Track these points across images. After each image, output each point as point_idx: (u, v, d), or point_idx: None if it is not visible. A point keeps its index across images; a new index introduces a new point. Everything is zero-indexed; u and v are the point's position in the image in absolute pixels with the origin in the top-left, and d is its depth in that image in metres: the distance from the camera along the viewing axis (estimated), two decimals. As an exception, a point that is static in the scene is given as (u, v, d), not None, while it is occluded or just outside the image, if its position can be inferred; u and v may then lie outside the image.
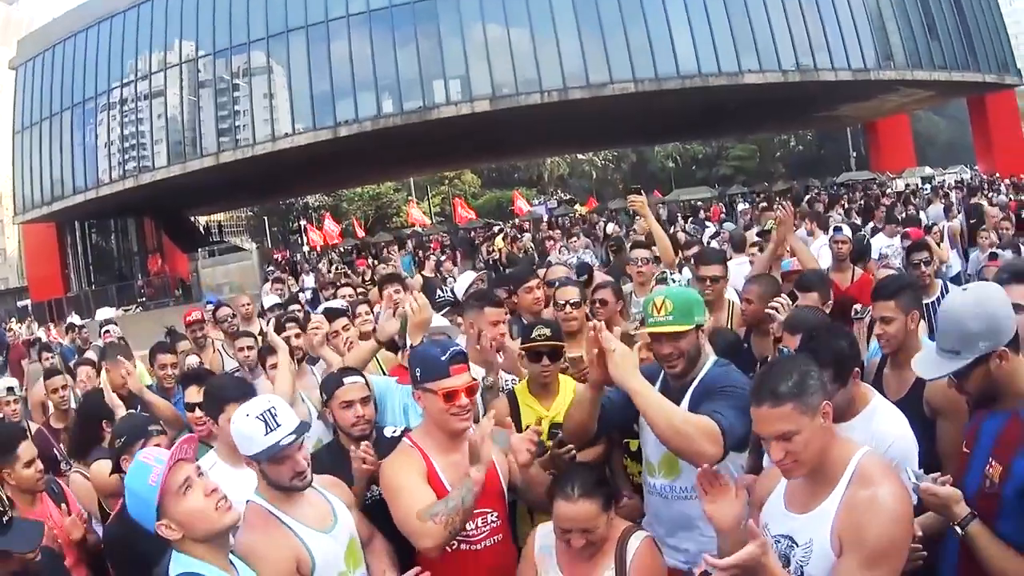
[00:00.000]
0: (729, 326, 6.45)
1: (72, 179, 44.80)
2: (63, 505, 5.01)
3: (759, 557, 2.89)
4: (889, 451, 3.39)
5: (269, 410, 3.52)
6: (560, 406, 4.82)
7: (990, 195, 24.55)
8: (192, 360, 8.02)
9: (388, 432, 4.63)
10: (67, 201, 44.63)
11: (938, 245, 10.89)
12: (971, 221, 13.38)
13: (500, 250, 29.75)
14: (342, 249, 50.90)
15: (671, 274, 7.18)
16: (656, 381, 4.13)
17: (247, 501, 3.59)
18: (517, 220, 51.49)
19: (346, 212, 71.67)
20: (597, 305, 6.48)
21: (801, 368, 3.05)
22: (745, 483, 3.43)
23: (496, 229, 46.93)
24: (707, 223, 29.65)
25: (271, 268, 41.93)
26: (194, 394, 5.34)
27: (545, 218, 50.21)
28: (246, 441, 3.50)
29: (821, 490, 3.07)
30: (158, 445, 4.43)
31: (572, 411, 4.22)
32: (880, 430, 3.58)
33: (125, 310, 42.43)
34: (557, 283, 6.97)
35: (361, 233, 58.15)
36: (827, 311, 5.77)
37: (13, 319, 40.82)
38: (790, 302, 5.54)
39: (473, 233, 50.16)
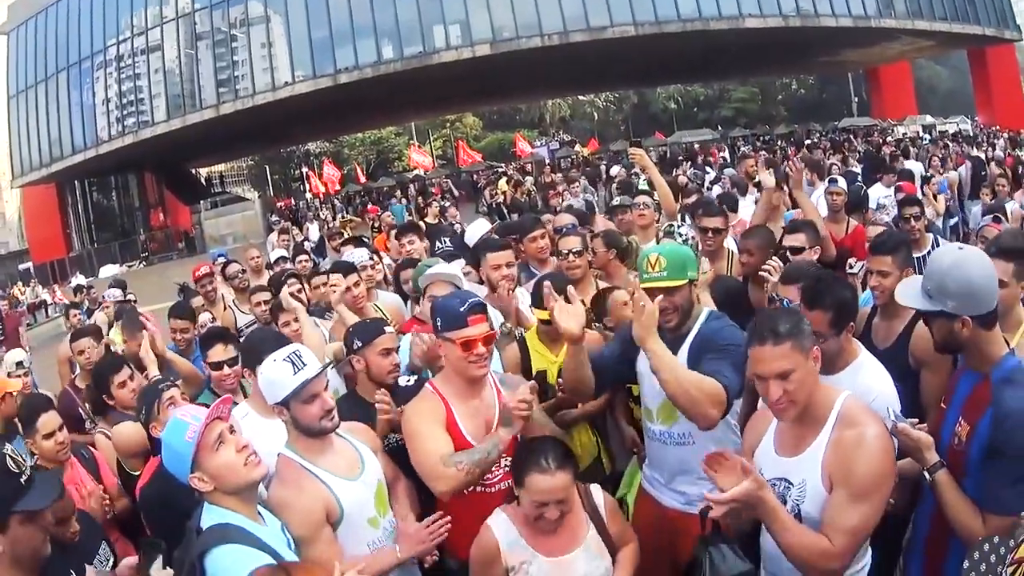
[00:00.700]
0: (728, 274, 6.52)
1: (71, 139, 44.54)
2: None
3: (755, 491, 3.06)
4: (872, 404, 3.45)
5: (295, 352, 3.69)
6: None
7: (986, 149, 24.40)
8: (205, 317, 8.03)
9: (402, 381, 4.71)
10: (66, 161, 44.41)
11: (934, 198, 10.97)
12: (982, 174, 13.41)
13: (504, 193, 29.64)
14: (345, 194, 50.73)
15: (678, 227, 7.29)
16: None
17: (278, 455, 3.72)
18: (520, 162, 51.17)
19: (348, 158, 71.14)
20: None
21: (795, 314, 3.30)
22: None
23: (500, 172, 46.69)
24: (708, 168, 29.55)
25: (275, 218, 41.78)
26: (219, 352, 5.36)
27: (547, 160, 49.96)
28: (275, 387, 3.62)
29: (808, 433, 3.25)
30: (171, 398, 4.68)
31: (566, 370, 4.33)
32: (865, 383, 3.72)
33: (129, 266, 42.37)
34: (562, 230, 7.09)
35: (363, 178, 57.77)
36: (816, 256, 5.94)
37: (18, 283, 40.76)
38: (782, 264, 5.60)
39: (476, 176, 49.95)
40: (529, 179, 35.66)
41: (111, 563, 3.91)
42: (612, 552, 3.77)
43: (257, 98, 40.86)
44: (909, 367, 4.44)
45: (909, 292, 3.48)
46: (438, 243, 8.53)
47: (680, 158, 39.88)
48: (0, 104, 48.44)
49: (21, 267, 47.68)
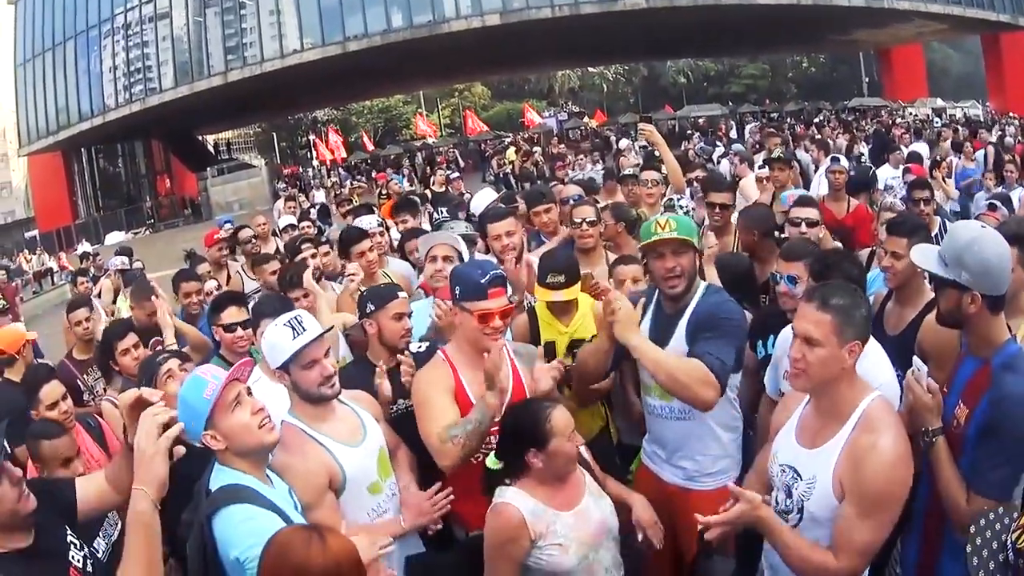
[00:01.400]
0: (735, 251, 6.50)
1: (78, 107, 44.49)
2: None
3: (751, 513, 3.10)
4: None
5: (295, 317, 3.70)
6: (577, 323, 4.95)
7: (998, 134, 24.15)
8: (211, 284, 7.91)
9: (413, 347, 4.70)
10: (73, 129, 44.36)
11: (944, 181, 10.92)
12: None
13: (512, 163, 29.57)
14: (351, 162, 50.64)
15: (678, 200, 7.28)
16: (649, 306, 4.26)
17: (282, 421, 3.69)
18: (528, 133, 51.03)
19: (355, 125, 70.95)
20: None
21: (857, 299, 3.18)
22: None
23: (507, 141, 46.56)
24: (718, 143, 29.48)
25: (281, 185, 41.74)
26: (234, 314, 5.32)
27: (555, 131, 49.81)
28: (275, 351, 3.65)
29: (830, 428, 3.18)
30: (169, 371, 4.65)
31: (587, 359, 4.33)
32: (872, 372, 3.57)
33: (135, 233, 42.43)
34: (572, 200, 7.08)
35: (371, 146, 57.63)
36: (822, 234, 5.91)
37: (24, 251, 40.84)
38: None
39: (483, 145, 49.83)
40: (537, 150, 35.55)
41: (119, 528, 3.93)
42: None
43: (265, 65, 40.80)
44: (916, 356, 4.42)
45: (926, 255, 3.45)
46: (436, 213, 8.52)
47: (689, 132, 39.79)
48: (8, 73, 48.38)
49: (27, 235, 47.63)
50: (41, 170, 49.11)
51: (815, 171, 11.93)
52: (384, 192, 17.86)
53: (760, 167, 10.53)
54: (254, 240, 9.66)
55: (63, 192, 47.91)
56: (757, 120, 45.31)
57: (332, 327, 4.54)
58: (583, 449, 3.83)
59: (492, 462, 3.57)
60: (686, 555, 4.42)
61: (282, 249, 7.06)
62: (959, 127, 25.52)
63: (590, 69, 78.14)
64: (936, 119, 36.62)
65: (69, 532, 3.12)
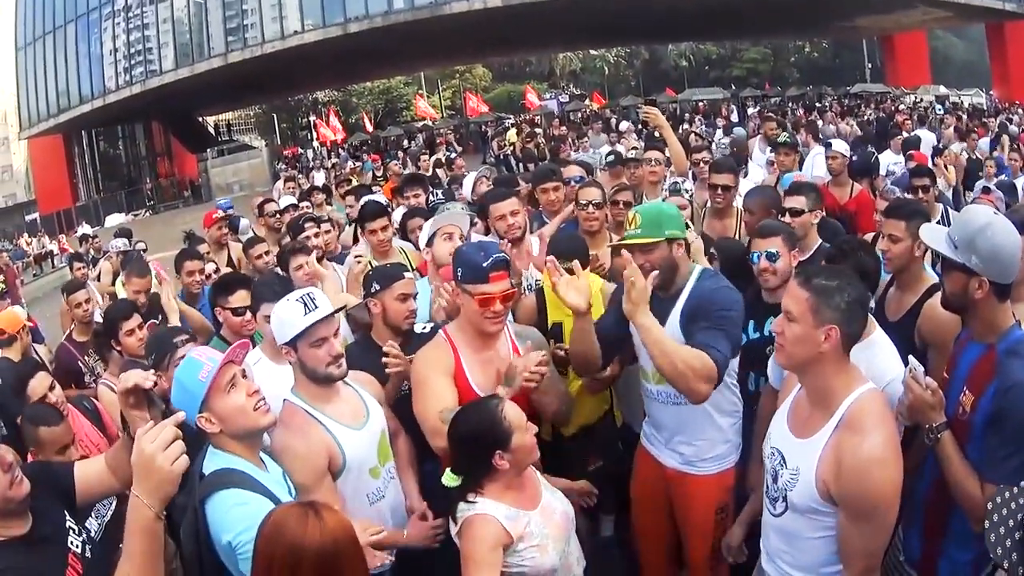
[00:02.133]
0: (737, 234, 6.52)
1: (78, 89, 44.52)
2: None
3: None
4: (886, 389, 3.37)
5: (307, 294, 3.67)
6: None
7: (1001, 123, 24.06)
8: (210, 267, 7.96)
9: (418, 328, 4.69)
10: (73, 111, 44.38)
11: (946, 169, 10.88)
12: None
13: (513, 144, 29.51)
14: (353, 144, 50.55)
15: (682, 184, 7.25)
16: None
17: (283, 400, 3.72)
18: (529, 115, 50.90)
19: (356, 107, 70.81)
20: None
21: (844, 284, 3.08)
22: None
23: (508, 123, 46.47)
24: (717, 128, 29.46)
25: (281, 166, 41.76)
26: (243, 298, 5.25)
27: (556, 113, 49.69)
28: (285, 326, 3.62)
29: (817, 418, 3.12)
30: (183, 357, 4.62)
31: (573, 343, 4.29)
32: (880, 367, 3.54)
33: (135, 215, 42.55)
34: (574, 181, 7.07)
35: (370, 128, 57.52)
36: (816, 220, 5.83)
37: (25, 234, 40.84)
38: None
39: (484, 127, 49.74)
40: (539, 131, 35.50)
41: (113, 508, 3.91)
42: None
43: (266, 47, 40.76)
44: (916, 343, 4.39)
45: (935, 235, 3.42)
46: (431, 196, 8.52)
47: (686, 115, 39.74)
48: (8, 56, 48.47)
49: (28, 218, 47.66)
50: (42, 153, 49.09)
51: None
52: (383, 173, 17.84)
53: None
54: (278, 215, 9.64)
55: (63, 175, 47.90)
56: (759, 104, 45.24)
57: (345, 305, 4.53)
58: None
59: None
60: (682, 538, 4.44)
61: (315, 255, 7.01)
62: (961, 114, 25.47)
63: (591, 52, 77.91)
64: (939, 107, 36.55)
65: (68, 517, 3.10)
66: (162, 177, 51.70)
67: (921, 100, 39.79)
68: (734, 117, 39.29)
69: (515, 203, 5.84)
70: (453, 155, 17.25)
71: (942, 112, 29.70)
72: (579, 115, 48.96)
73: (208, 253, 8.71)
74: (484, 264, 3.86)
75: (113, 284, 9.24)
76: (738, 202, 6.80)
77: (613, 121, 36.28)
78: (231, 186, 42.39)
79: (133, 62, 43.59)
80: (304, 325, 3.58)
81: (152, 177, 52.29)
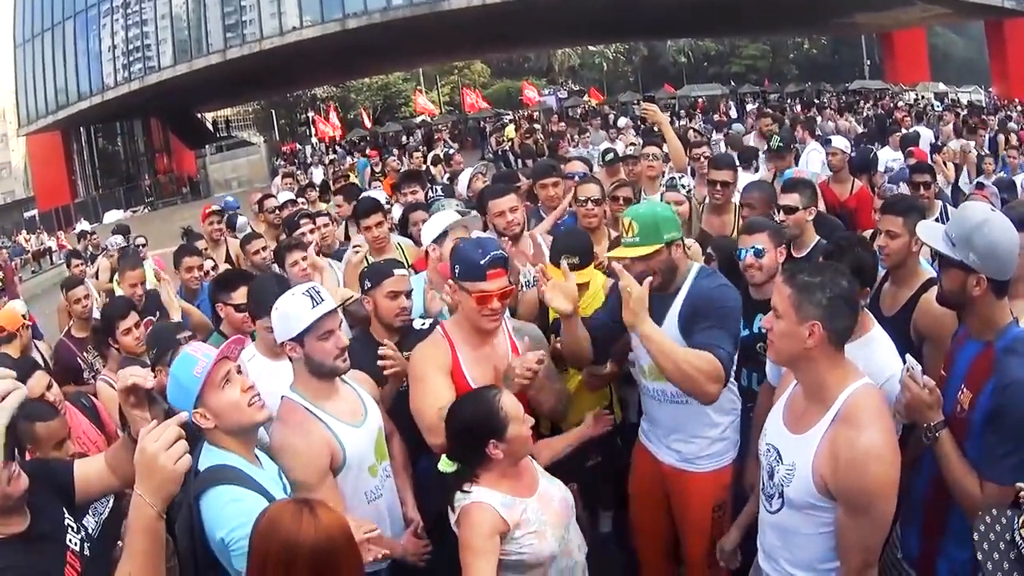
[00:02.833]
0: (735, 230, 6.48)
1: (76, 86, 44.64)
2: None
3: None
4: (886, 386, 3.36)
5: (313, 288, 3.68)
6: (588, 299, 4.87)
7: (1001, 120, 24.01)
8: (208, 264, 7.86)
9: (417, 324, 4.68)
10: (72, 108, 44.48)
11: (945, 165, 10.89)
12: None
13: (511, 140, 29.50)
14: (350, 140, 50.50)
15: (679, 179, 7.25)
16: None
17: (282, 397, 3.72)
18: (527, 111, 50.86)
19: (354, 103, 70.76)
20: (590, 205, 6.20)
21: (827, 280, 3.06)
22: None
23: (507, 119, 46.45)
24: (712, 126, 29.44)
25: (280, 162, 41.76)
26: (245, 294, 5.10)
27: (555, 109, 49.66)
28: (292, 320, 3.60)
29: (812, 413, 3.12)
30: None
31: (563, 344, 4.29)
32: (879, 363, 3.53)
33: (134, 211, 42.56)
34: (577, 177, 7.05)
35: (369, 124, 57.47)
36: (811, 216, 5.81)
37: (23, 231, 40.74)
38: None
39: (483, 123, 49.72)
40: (538, 127, 35.47)
41: (110, 505, 3.91)
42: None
43: (264, 43, 40.76)
44: (911, 338, 4.41)
45: (932, 233, 3.41)
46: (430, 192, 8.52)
47: (681, 111, 39.73)
48: (7, 53, 48.53)
49: (27, 215, 47.58)
50: (40, 150, 49.12)
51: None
52: (381, 169, 17.85)
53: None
54: (277, 211, 9.62)
55: (62, 171, 47.92)
56: (757, 101, 45.22)
57: (350, 298, 4.53)
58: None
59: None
60: (679, 535, 4.44)
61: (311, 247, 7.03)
62: (959, 111, 25.45)
63: (590, 48, 77.88)
64: (937, 103, 36.49)
65: (66, 515, 3.08)
66: (161, 173, 51.67)
67: (922, 98, 39.68)
68: (732, 113, 39.29)
69: (514, 199, 5.83)
70: (452, 151, 17.25)
71: (940, 109, 29.70)
72: (578, 111, 48.96)
73: (206, 249, 8.71)
74: (482, 262, 3.84)
75: (111, 281, 9.22)
76: (736, 198, 6.80)
77: (612, 117, 36.24)
78: (229, 182, 42.44)
79: (132, 58, 43.63)
80: (313, 318, 3.57)
81: (151, 173, 52.24)
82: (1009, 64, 46.36)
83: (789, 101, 43.28)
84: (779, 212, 5.80)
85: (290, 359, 3.78)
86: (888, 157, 11.74)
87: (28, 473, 2.88)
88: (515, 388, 3.71)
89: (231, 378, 3.17)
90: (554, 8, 40.00)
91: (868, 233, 5.88)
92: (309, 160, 41.61)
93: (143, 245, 11.78)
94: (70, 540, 3.01)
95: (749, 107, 39.47)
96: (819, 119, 22.32)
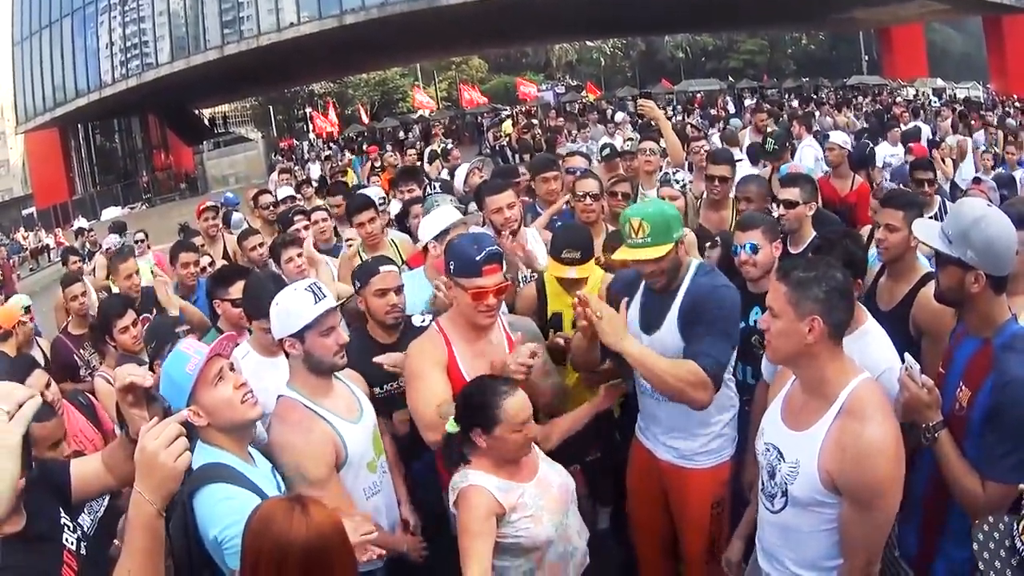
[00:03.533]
0: (731, 224, 6.47)
1: (74, 83, 44.73)
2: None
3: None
4: (880, 379, 3.32)
5: (314, 283, 3.68)
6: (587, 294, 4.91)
7: (1000, 116, 23.97)
8: (205, 260, 7.85)
9: (417, 320, 4.67)
10: (69, 105, 44.56)
11: (943, 161, 10.88)
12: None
13: (509, 135, 29.49)
14: (347, 136, 50.48)
15: (673, 174, 7.24)
16: (636, 290, 4.20)
17: (279, 396, 3.71)
18: (525, 106, 50.81)
19: (352, 98, 70.77)
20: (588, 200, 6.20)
21: (822, 274, 3.05)
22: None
23: (504, 114, 46.42)
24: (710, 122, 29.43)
25: (278, 157, 41.76)
26: (242, 289, 5.09)
27: (553, 104, 49.62)
28: (294, 316, 3.59)
29: (814, 409, 3.10)
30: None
31: (576, 357, 4.33)
32: (874, 356, 3.51)
33: (131, 208, 42.51)
34: (577, 172, 7.02)
35: (366, 119, 57.46)
36: (811, 212, 5.79)
37: (21, 229, 40.83)
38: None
39: (480, 118, 49.68)
40: (536, 122, 35.42)
41: (106, 502, 3.89)
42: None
43: (262, 39, 40.73)
44: (909, 333, 4.41)
45: (928, 231, 3.40)
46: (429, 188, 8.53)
47: (679, 106, 39.71)
48: (5, 51, 48.58)
49: (25, 212, 47.63)
50: (38, 147, 49.18)
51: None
52: (379, 165, 17.85)
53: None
54: (272, 207, 9.63)
55: (60, 169, 48.02)
56: (755, 96, 45.17)
57: (349, 297, 4.53)
58: None
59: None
60: (678, 531, 4.43)
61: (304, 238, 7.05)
62: (956, 106, 25.43)
63: (588, 43, 77.86)
64: (935, 99, 36.46)
65: (62, 514, 3.07)
66: (158, 170, 51.67)
67: (924, 93, 39.63)
68: (730, 108, 39.25)
69: (511, 196, 5.80)
70: (449, 146, 17.24)
71: (939, 104, 29.66)
72: (576, 106, 48.93)
73: (203, 246, 8.68)
74: (477, 258, 3.83)
75: (108, 279, 9.23)
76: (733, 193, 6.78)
77: (609, 112, 36.22)
78: (227, 178, 42.40)
79: (129, 55, 43.68)
80: (315, 314, 3.57)
81: (148, 170, 52.25)
82: (1007, 60, 46.43)
83: (787, 96, 43.23)
84: (779, 206, 5.79)
85: (287, 355, 3.77)
86: (886, 152, 11.71)
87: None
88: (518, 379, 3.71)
89: (224, 375, 3.16)
90: (551, 3, 39.98)
91: (867, 229, 5.90)
92: (306, 156, 41.57)
93: (142, 241, 11.72)
94: (67, 539, 2.99)
95: (747, 102, 39.42)
96: (817, 114, 22.30)
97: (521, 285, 5.40)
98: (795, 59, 78.91)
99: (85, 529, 3.46)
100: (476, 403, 3.47)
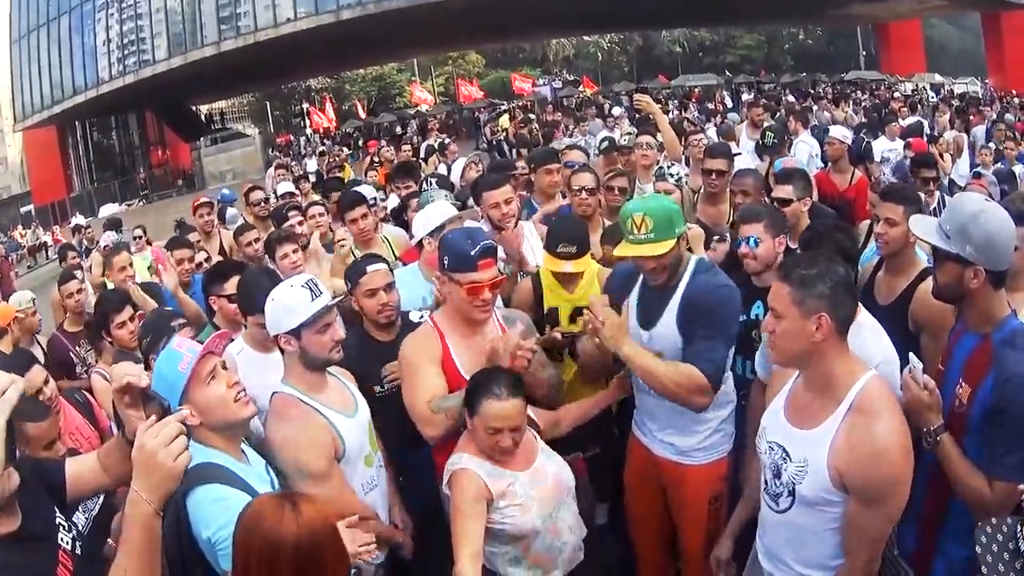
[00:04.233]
0: (729, 218, 6.49)
1: (72, 80, 44.79)
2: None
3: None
4: (877, 371, 3.23)
5: (311, 280, 3.66)
6: (582, 290, 4.87)
7: (999, 111, 23.91)
8: (201, 256, 7.83)
9: (414, 317, 4.66)
10: (67, 103, 44.61)
11: (941, 157, 10.86)
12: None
13: (506, 130, 29.46)
14: (344, 131, 50.48)
15: (668, 168, 7.22)
16: (634, 284, 4.19)
17: (274, 393, 3.69)
18: (522, 100, 50.78)
19: (349, 94, 70.82)
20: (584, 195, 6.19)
21: (824, 269, 3.01)
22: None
23: (502, 109, 46.41)
24: (707, 116, 29.38)
25: (275, 153, 41.77)
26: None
27: (550, 98, 49.59)
28: (291, 313, 3.58)
29: (822, 407, 3.05)
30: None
31: (588, 362, 4.37)
32: (869, 349, 3.43)
33: (128, 205, 42.51)
34: (575, 166, 6.99)
35: (363, 114, 57.47)
36: (806, 208, 5.79)
37: (19, 226, 40.85)
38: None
39: (477, 113, 49.64)
40: (533, 117, 35.37)
41: (100, 500, 3.87)
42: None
43: (259, 35, 40.76)
44: (908, 328, 4.37)
45: (925, 227, 3.37)
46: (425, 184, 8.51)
47: (675, 101, 39.66)
48: (3, 50, 48.72)
49: (23, 210, 47.54)
50: (36, 145, 49.23)
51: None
52: (377, 160, 17.82)
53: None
54: (263, 203, 9.60)
55: (58, 166, 48.08)
56: (752, 91, 45.12)
57: (344, 295, 4.52)
58: (530, 410, 3.79)
59: (435, 406, 3.64)
60: (676, 527, 4.42)
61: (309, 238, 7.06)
62: (954, 102, 25.40)
63: (585, 38, 77.81)
64: (933, 94, 36.43)
65: (58, 514, 3.05)
66: (156, 166, 51.73)
67: (924, 88, 39.59)
68: (728, 103, 39.19)
69: (509, 191, 5.75)
70: (448, 141, 17.21)
71: (936, 100, 29.61)
72: (572, 101, 48.89)
73: (199, 242, 8.64)
74: (472, 252, 3.81)
75: (104, 275, 9.22)
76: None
77: (607, 107, 36.19)
78: (224, 174, 42.42)
79: (126, 52, 43.78)
80: (313, 311, 3.56)
81: (146, 167, 52.32)
82: (1005, 56, 46.41)
83: (783, 91, 43.21)
84: (773, 204, 5.77)
85: (281, 351, 3.76)
86: (884, 147, 11.67)
87: (19, 472, 2.85)
88: (506, 363, 3.73)
89: (216, 374, 3.14)
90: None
91: (866, 223, 5.89)
92: (303, 151, 41.56)
93: (140, 237, 11.70)
94: (62, 539, 2.97)
95: (744, 97, 39.35)
96: (815, 108, 22.25)
97: (519, 279, 5.37)
98: (792, 54, 78.90)
99: (80, 528, 3.44)
100: (471, 387, 3.54)
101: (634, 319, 4.06)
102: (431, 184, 7.61)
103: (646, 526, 4.59)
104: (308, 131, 55.59)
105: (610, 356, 4.12)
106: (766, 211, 4.95)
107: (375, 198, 7.94)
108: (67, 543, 2.98)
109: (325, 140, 45.98)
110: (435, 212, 5.30)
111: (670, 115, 23.15)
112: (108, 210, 37.98)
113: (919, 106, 24.02)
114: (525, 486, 3.52)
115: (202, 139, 48.57)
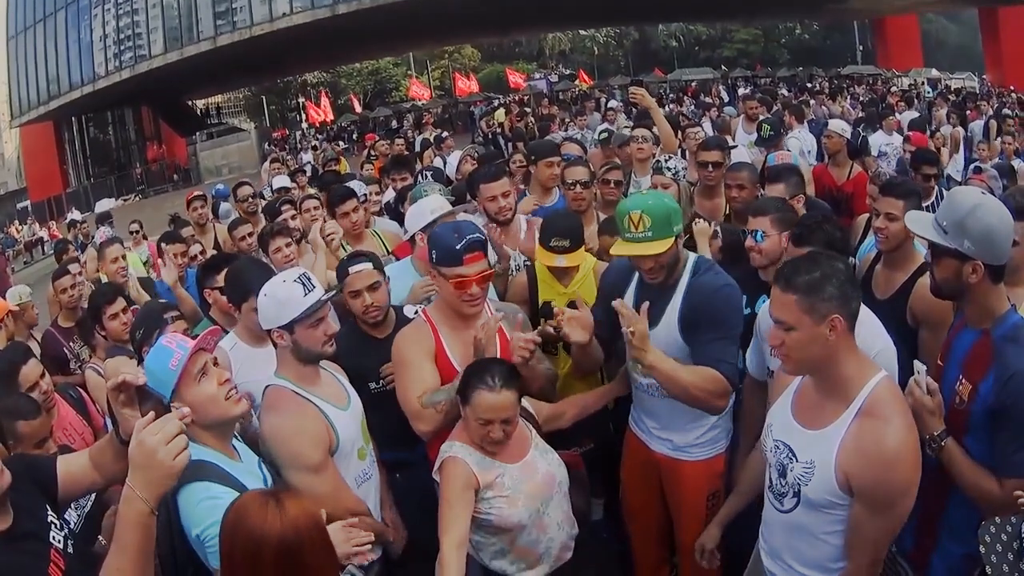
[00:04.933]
0: (726, 212, 6.50)
1: (68, 76, 44.86)
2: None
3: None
4: (874, 360, 3.22)
5: (304, 274, 3.64)
6: (577, 284, 4.88)
7: (996, 107, 23.93)
8: (195, 248, 7.83)
9: (409, 312, 4.63)
10: (64, 98, 44.67)
11: (938, 151, 10.84)
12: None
13: (502, 124, 29.44)
14: (339, 124, 50.47)
15: (665, 162, 7.20)
16: (630, 280, 4.17)
17: (267, 386, 3.68)
18: (518, 94, 50.73)
19: (344, 88, 70.76)
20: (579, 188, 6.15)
21: (827, 269, 2.93)
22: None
23: (497, 103, 46.36)
24: (703, 110, 29.37)
25: (271, 147, 41.75)
26: None
27: (546, 92, 49.54)
28: (284, 308, 3.56)
29: (830, 408, 2.99)
30: (174, 332, 4.47)
31: (576, 361, 4.34)
32: (864, 340, 3.31)
33: (124, 200, 42.48)
34: (569, 157, 7.02)
35: (359, 108, 57.43)
36: (800, 204, 5.74)
37: (15, 222, 40.88)
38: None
39: (473, 107, 49.60)
40: (529, 111, 35.36)
41: (92, 498, 3.86)
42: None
43: (255, 29, 40.75)
44: (906, 322, 4.36)
45: (922, 222, 3.34)
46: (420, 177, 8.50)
47: (671, 95, 39.68)
48: (0, 47, 48.44)
49: (19, 205, 47.58)
50: (33, 140, 49.29)
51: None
52: (373, 154, 17.80)
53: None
54: (251, 199, 9.53)
55: (54, 161, 48.19)
56: (748, 85, 45.09)
57: (338, 289, 4.50)
58: (526, 401, 3.82)
59: (428, 399, 3.65)
60: (674, 523, 4.41)
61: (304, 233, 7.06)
62: (951, 97, 25.40)
63: (581, 32, 77.78)
64: (930, 89, 36.41)
65: (49, 512, 3.03)
66: (152, 161, 51.59)
67: (923, 83, 39.56)
68: (724, 97, 39.17)
69: (506, 184, 5.75)
70: (444, 135, 17.19)
71: (933, 95, 29.62)
72: (569, 95, 48.87)
73: (193, 236, 8.65)
74: (458, 246, 3.80)
75: (98, 271, 9.21)
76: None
77: (603, 100, 36.18)
78: (220, 169, 42.46)
79: (123, 47, 43.79)
80: (306, 305, 3.55)
81: (142, 162, 52.20)
82: (1003, 51, 46.50)
83: (780, 86, 43.16)
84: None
85: (274, 345, 3.74)
86: (881, 141, 11.65)
87: (11, 470, 2.83)
88: (518, 361, 3.74)
89: (207, 371, 3.12)
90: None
91: (864, 217, 5.87)
92: (299, 146, 41.54)
93: (137, 232, 11.66)
94: (54, 537, 2.96)
95: (741, 91, 39.33)
96: (812, 102, 22.25)
97: (514, 273, 5.36)
98: (789, 49, 78.78)
99: (72, 526, 3.43)
100: (465, 376, 3.55)
101: None
102: (426, 177, 7.61)
103: (642, 521, 4.59)
104: (304, 125, 55.50)
105: (599, 356, 4.16)
106: (776, 205, 4.91)
107: (365, 194, 7.92)
108: (59, 542, 2.97)
109: (318, 135, 45.92)
110: (427, 207, 5.28)
111: (665, 109, 23.07)
112: (104, 205, 37.92)
113: (916, 100, 24.02)
114: (514, 479, 3.52)
115: (198, 134, 48.57)
